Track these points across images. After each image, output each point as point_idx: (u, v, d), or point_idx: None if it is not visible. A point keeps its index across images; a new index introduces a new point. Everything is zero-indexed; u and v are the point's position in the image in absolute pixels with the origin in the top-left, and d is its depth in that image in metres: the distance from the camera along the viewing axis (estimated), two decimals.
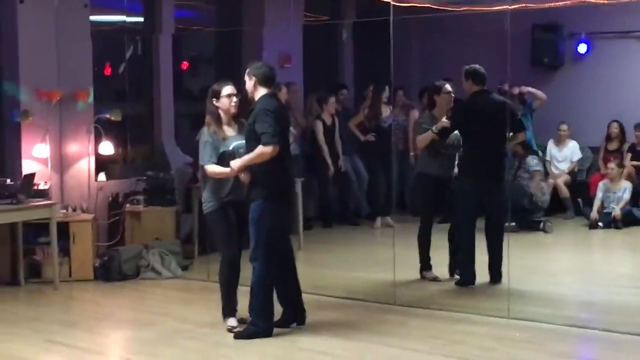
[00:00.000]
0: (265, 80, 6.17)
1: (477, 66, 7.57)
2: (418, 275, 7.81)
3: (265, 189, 6.05)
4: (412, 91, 11.65)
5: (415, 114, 10.74)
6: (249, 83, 6.20)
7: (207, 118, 6.36)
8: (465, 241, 7.51)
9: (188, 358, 5.81)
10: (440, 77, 10.44)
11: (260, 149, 5.98)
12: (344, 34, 12.37)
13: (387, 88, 10.41)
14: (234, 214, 6.33)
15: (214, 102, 6.34)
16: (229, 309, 6.41)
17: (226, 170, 6.19)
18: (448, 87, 7.85)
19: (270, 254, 6.08)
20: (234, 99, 6.34)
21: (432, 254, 7.80)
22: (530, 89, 10.62)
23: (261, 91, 6.16)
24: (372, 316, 6.72)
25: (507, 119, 7.45)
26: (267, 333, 6.13)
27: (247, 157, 6.10)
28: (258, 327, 6.13)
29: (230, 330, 6.28)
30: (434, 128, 7.56)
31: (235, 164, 6.12)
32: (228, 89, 6.34)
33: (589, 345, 6.09)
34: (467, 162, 7.51)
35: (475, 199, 7.48)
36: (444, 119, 7.58)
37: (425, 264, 7.82)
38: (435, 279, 7.75)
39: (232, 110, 6.35)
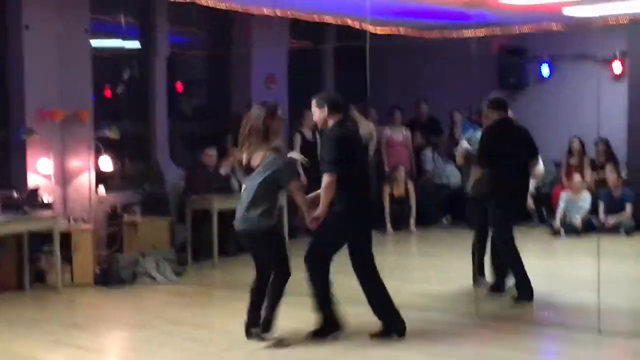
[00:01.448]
0: (335, 106, 6.01)
1: (496, 95, 7.61)
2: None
3: (339, 210, 5.94)
4: (385, 109, 11.90)
5: (386, 130, 11.24)
6: (321, 113, 6.01)
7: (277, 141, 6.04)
8: (512, 259, 7.36)
9: (183, 358, 5.91)
10: (414, 97, 11.04)
11: (322, 181, 5.89)
12: None
13: (351, 107, 10.44)
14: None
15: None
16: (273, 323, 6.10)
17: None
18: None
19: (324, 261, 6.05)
20: None
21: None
22: None
23: (331, 120, 6.00)
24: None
25: (528, 145, 7.38)
26: (399, 331, 6.07)
27: (323, 199, 5.90)
28: (388, 326, 6.10)
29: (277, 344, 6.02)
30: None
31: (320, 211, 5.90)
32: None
33: (550, 342, 6.40)
34: (499, 187, 7.25)
35: (511, 220, 7.41)
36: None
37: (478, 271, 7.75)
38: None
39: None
